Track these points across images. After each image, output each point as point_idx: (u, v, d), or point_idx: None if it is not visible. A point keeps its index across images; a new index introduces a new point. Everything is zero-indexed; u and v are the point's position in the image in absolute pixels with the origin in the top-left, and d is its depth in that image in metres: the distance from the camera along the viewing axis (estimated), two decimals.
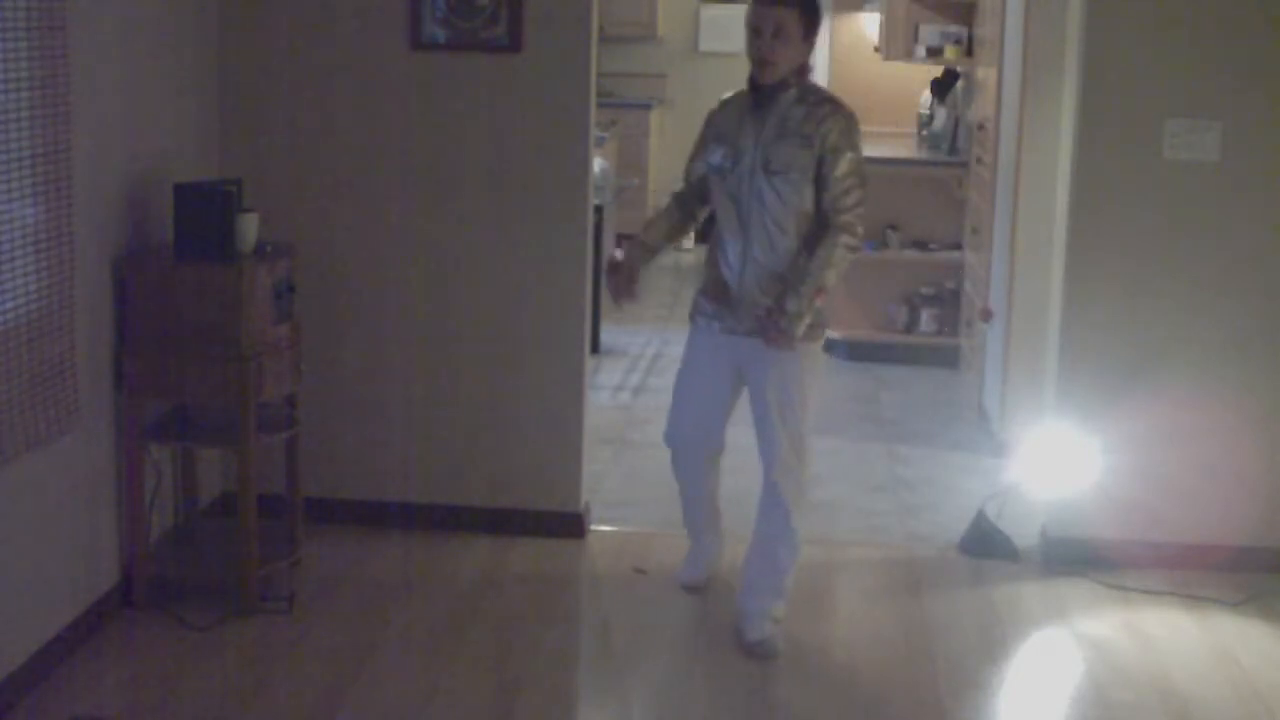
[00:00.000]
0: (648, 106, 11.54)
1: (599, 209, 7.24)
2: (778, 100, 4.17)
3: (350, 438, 5.14)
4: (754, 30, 4.15)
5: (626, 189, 9.69)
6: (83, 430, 4.15)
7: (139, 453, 4.37)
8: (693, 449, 4.59)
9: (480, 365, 5.09)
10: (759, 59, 4.14)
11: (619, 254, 4.52)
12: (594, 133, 5.06)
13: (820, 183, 4.16)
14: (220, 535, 4.73)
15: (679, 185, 4.51)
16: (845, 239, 4.16)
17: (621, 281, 4.46)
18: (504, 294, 5.05)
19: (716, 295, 4.33)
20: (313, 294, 4.87)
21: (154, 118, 4.57)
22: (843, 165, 4.15)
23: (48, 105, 3.82)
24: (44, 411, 3.89)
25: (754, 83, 4.21)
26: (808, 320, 4.15)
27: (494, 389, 5.09)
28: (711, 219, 4.45)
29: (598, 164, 7.05)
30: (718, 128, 4.30)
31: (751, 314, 4.23)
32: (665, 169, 11.90)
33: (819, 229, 4.18)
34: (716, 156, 4.26)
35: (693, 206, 4.51)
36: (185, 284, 4.30)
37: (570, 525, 5.13)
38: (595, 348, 7.55)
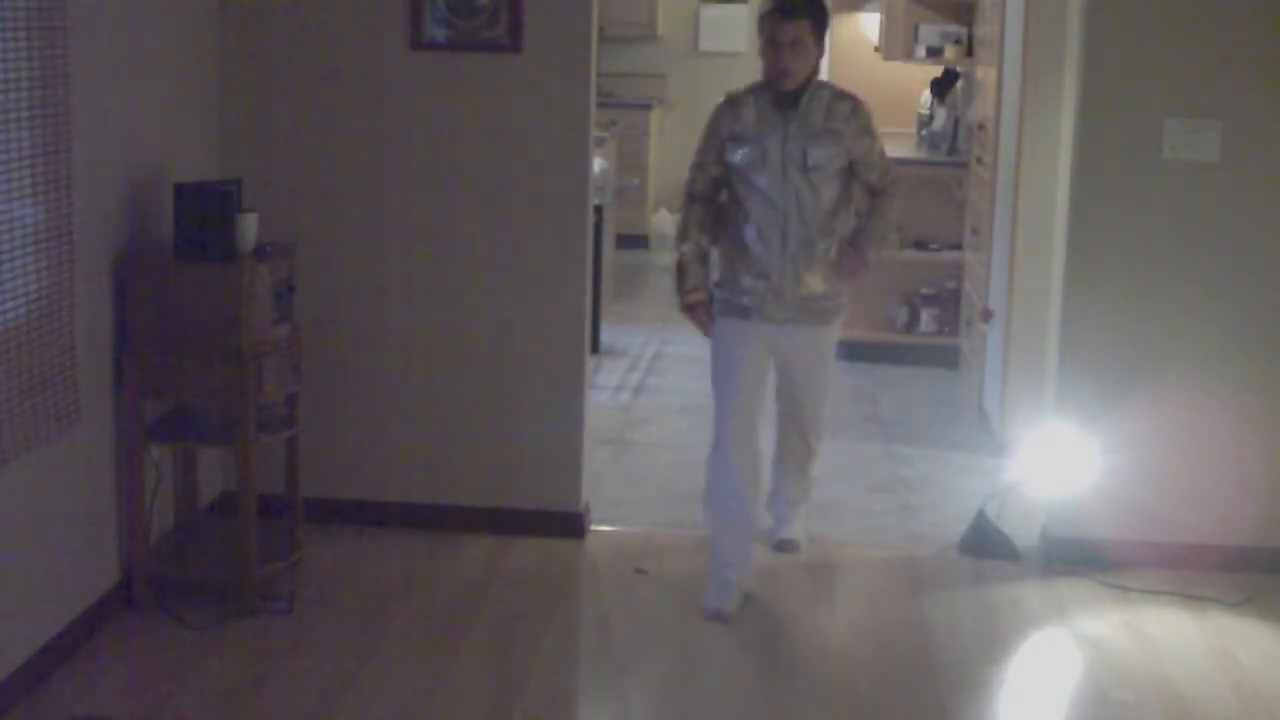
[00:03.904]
0: (648, 106, 11.53)
1: (599, 209, 7.24)
2: (799, 103, 4.47)
3: (350, 438, 5.14)
4: (772, 43, 4.42)
5: (626, 189, 9.68)
6: (83, 430, 4.14)
7: (139, 453, 4.37)
8: (747, 439, 4.62)
9: (480, 365, 5.09)
10: (779, 70, 4.43)
11: (690, 297, 4.63)
12: (594, 133, 5.06)
13: (862, 166, 4.58)
14: (220, 535, 4.73)
15: (696, 186, 4.63)
16: (897, 200, 4.67)
17: (705, 318, 4.64)
18: (504, 294, 5.05)
19: (751, 288, 4.54)
20: (313, 294, 4.87)
21: (154, 118, 4.57)
22: (877, 148, 4.61)
23: (48, 105, 3.82)
24: (44, 411, 3.89)
25: (770, 87, 4.49)
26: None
27: (494, 389, 5.09)
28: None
29: (598, 164, 7.05)
30: (735, 128, 4.51)
31: (795, 298, 4.53)
32: (665, 169, 11.91)
33: (871, 198, 4.65)
34: (739, 156, 4.49)
35: (713, 204, 4.67)
36: (185, 284, 4.30)
37: (570, 525, 5.13)
38: (595, 348, 7.55)
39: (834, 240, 4.54)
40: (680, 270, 4.61)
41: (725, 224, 4.60)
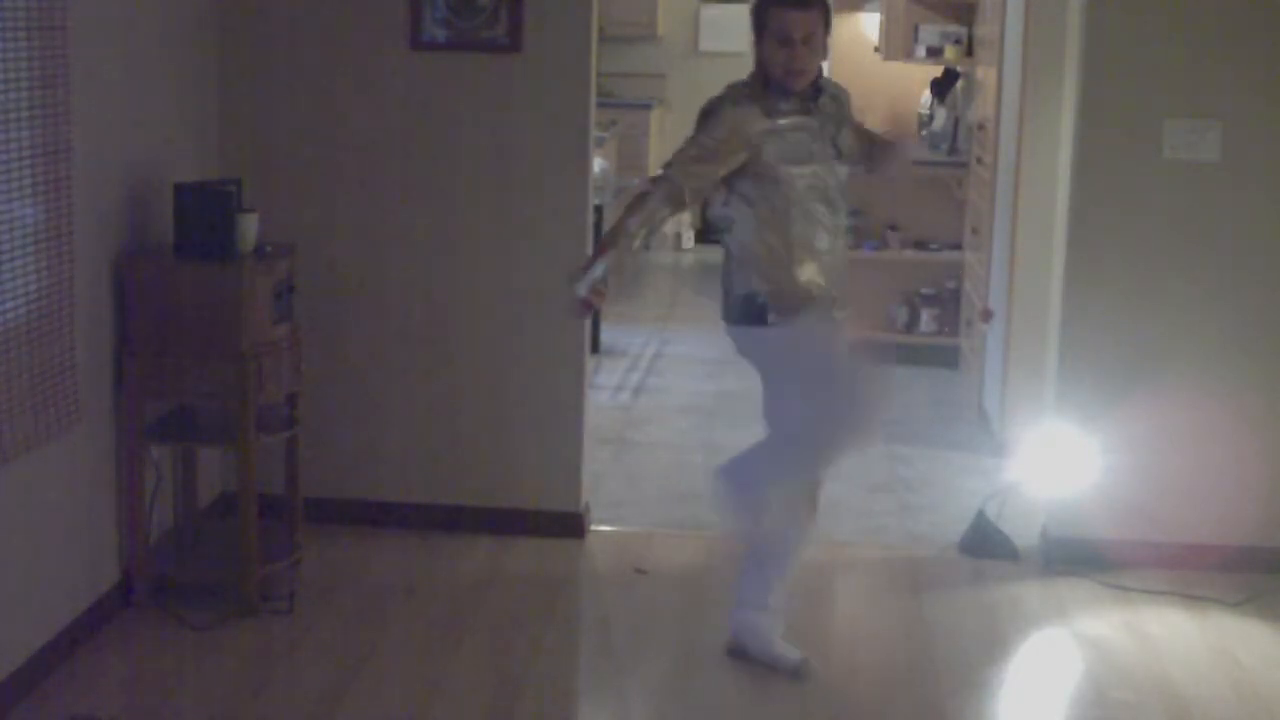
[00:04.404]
0: (648, 106, 11.54)
1: (599, 209, 7.24)
2: (821, 96, 4.10)
3: (350, 438, 5.14)
4: (783, 40, 3.97)
5: (626, 189, 9.68)
6: (83, 430, 4.14)
7: (139, 453, 4.37)
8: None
9: (480, 365, 5.09)
10: (792, 69, 3.99)
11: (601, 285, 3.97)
12: (594, 133, 5.06)
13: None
14: (220, 535, 4.73)
15: (691, 180, 3.98)
16: None
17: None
18: (504, 293, 5.05)
19: (824, 291, 4.08)
20: (313, 294, 4.87)
21: (154, 118, 4.57)
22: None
23: (48, 105, 3.82)
24: (44, 411, 3.89)
25: (770, 88, 4.03)
26: None
27: (494, 389, 5.09)
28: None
29: (598, 164, 7.05)
30: (766, 125, 3.99)
31: (843, 289, 4.15)
32: None
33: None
34: (783, 153, 4.01)
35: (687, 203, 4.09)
36: (185, 284, 4.30)
37: (570, 525, 5.13)
38: (595, 348, 7.56)
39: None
40: (612, 245, 3.96)
41: (776, 229, 4.03)
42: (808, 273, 4.06)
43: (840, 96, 4.23)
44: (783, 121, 4.03)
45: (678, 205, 4.04)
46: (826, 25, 4.06)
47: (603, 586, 4.87)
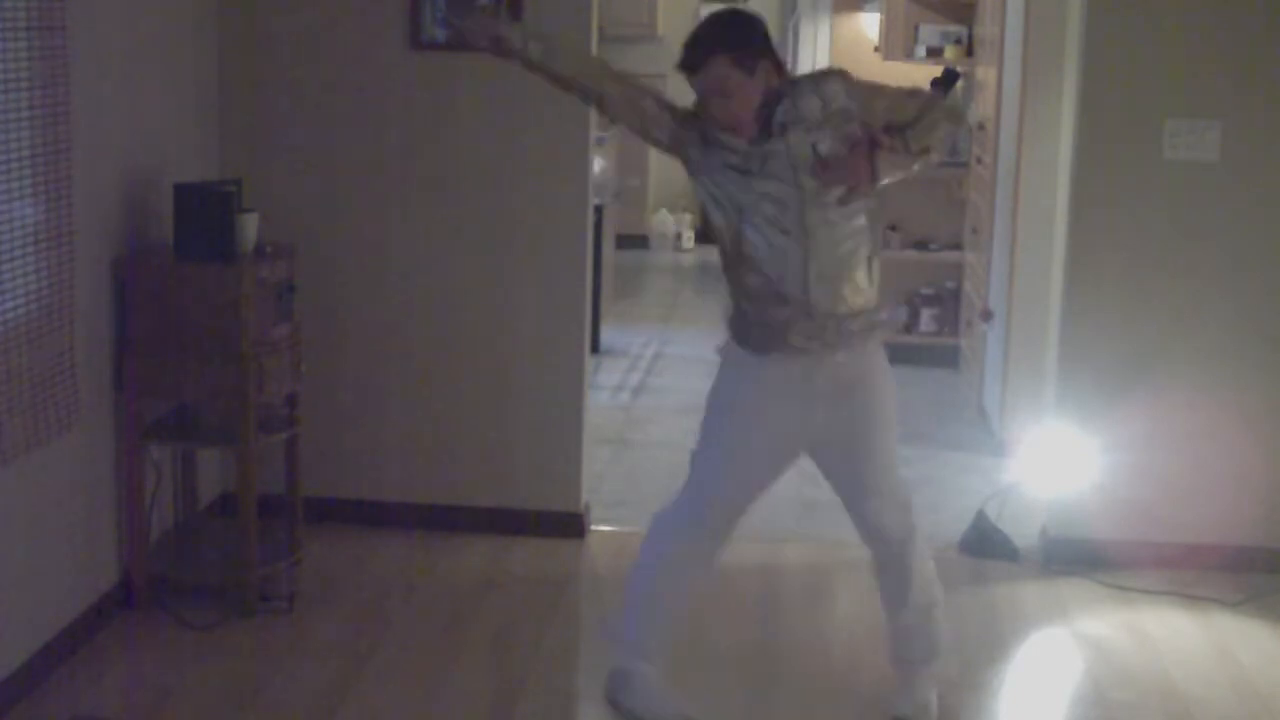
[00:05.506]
0: None
1: (599, 209, 7.24)
2: (775, 126, 3.55)
3: (350, 438, 5.14)
4: (703, 98, 3.61)
5: (626, 189, 9.68)
6: (83, 430, 4.14)
7: (139, 453, 4.37)
8: (727, 530, 3.89)
9: (480, 365, 5.09)
10: (725, 125, 3.58)
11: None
12: (594, 133, 5.06)
13: (896, 115, 3.62)
14: (220, 535, 4.73)
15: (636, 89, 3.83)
16: (941, 110, 3.74)
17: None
18: (504, 294, 5.05)
19: (771, 317, 3.61)
20: (313, 294, 4.87)
21: (154, 118, 4.57)
22: (891, 90, 3.69)
23: (48, 105, 3.82)
24: (44, 411, 3.89)
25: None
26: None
27: (494, 389, 5.09)
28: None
29: (598, 164, 7.04)
30: (713, 134, 3.63)
31: (830, 316, 3.58)
32: (665, 169, 11.91)
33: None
34: (723, 159, 3.62)
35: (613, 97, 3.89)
36: (185, 284, 4.30)
37: (570, 525, 5.13)
38: (595, 348, 7.56)
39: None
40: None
41: (731, 264, 3.67)
42: (770, 307, 3.60)
43: (822, 91, 3.56)
44: (718, 159, 3.63)
45: (615, 83, 3.80)
46: (748, 59, 3.52)
47: (603, 586, 4.87)
